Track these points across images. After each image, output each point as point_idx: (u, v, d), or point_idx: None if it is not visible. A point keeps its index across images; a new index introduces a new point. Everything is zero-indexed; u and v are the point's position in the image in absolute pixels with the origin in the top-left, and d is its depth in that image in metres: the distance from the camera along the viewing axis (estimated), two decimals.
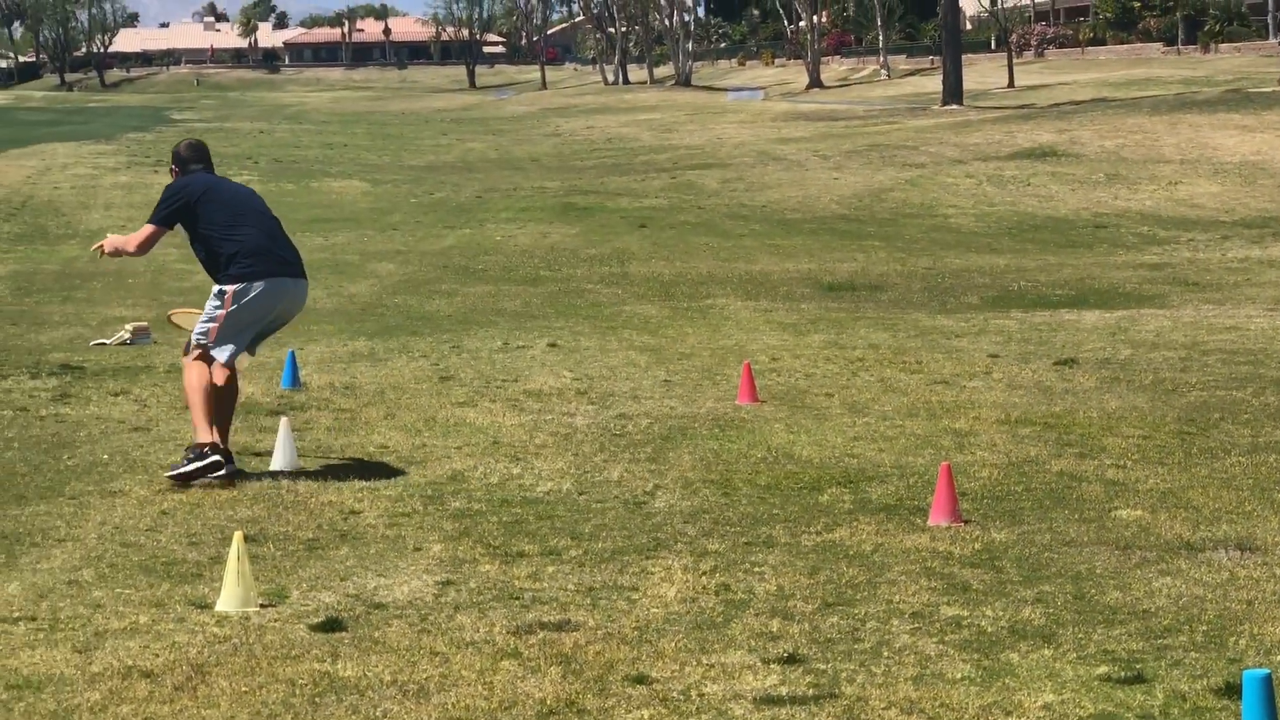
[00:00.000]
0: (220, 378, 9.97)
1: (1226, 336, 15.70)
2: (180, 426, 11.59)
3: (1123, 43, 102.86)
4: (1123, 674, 6.03)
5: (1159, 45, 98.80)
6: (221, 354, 10.00)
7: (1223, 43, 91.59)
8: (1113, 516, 8.63)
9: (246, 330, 10.12)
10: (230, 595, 7.03)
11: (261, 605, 7.06)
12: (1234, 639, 6.49)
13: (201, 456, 9.64)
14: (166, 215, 10.40)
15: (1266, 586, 7.24)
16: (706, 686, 5.98)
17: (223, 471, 9.67)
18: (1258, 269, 22.63)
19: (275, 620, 6.89)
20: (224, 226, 10.18)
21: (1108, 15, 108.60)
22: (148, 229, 10.46)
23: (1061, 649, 6.39)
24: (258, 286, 10.02)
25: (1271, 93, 53.27)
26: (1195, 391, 12.67)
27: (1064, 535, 8.24)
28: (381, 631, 6.73)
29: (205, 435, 9.73)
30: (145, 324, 16.93)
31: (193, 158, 10.68)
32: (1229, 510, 8.73)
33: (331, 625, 6.80)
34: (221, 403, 10.00)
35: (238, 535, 7.13)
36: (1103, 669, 6.12)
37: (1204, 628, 6.64)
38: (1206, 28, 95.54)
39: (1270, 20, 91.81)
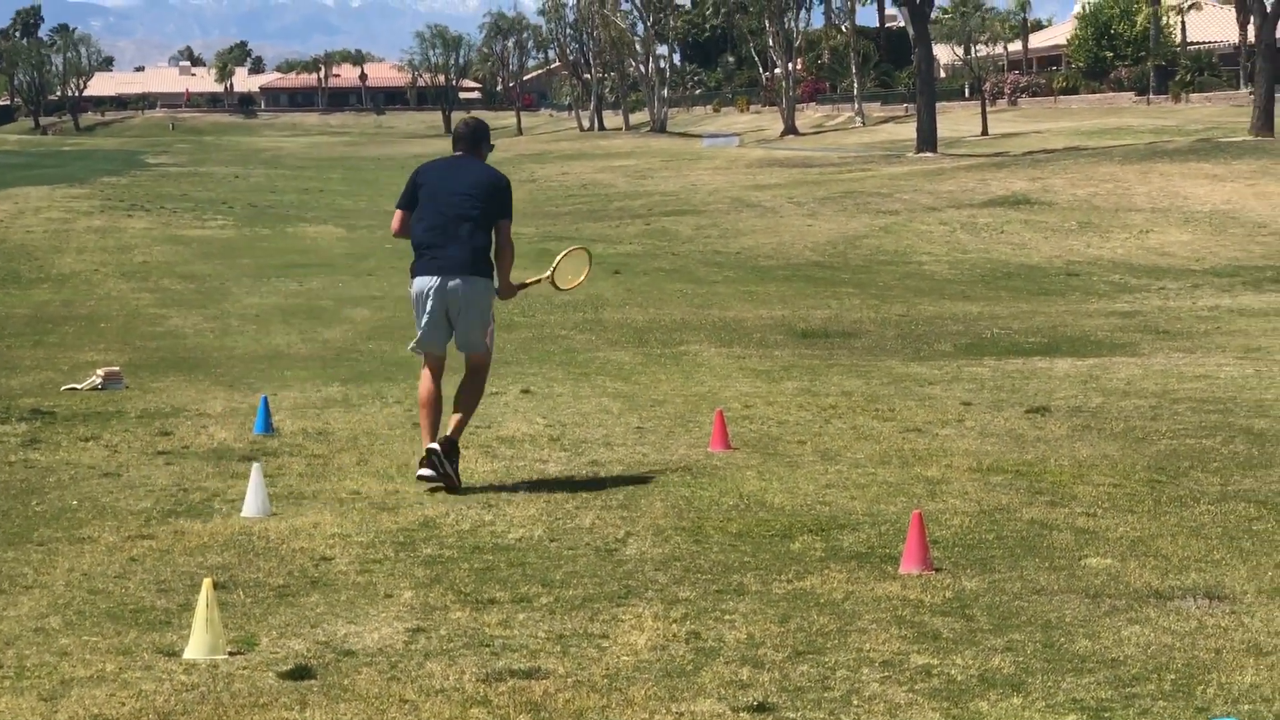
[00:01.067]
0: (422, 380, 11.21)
1: (1196, 385, 15.76)
2: (151, 472, 11.57)
3: (1095, 92, 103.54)
4: None
5: (1131, 94, 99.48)
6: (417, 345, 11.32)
7: (1194, 92, 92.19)
8: (1083, 565, 8.65)
9: (421, 322, 11.15)
10: (199, 643, 7.01)
11: (230, 653, 7.04)
12: (1202, 688, 6.51)
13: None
14: (401, 197, 11.44)
15: (1234, 635, 7.26)
16: None
17: (422, 471, 10.67)
18: (1228, 317, 22.72)
19: (244, 668, 6.87)
20: (415, 215, 11.23)
21: (1080, 65, 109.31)
22: (395, 213, 11.51)
23: (1030, 697, 6.40)
24: (413, 283, 11.14)
25: (1242, 142, 53.61)
26: (1165, 440, 12.72)
27: (1034, 583, 8.26)
28: (351, 679, 6.71)
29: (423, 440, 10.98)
30: (117, 369, 16.89)
31: (455, 138, 11.57)
32: (1198, 559, 8.76)
33: (301, 673, 6.78)
34: (429, 405, 11.03)
35: (207, 582, 7.11)
36: (1071, 717, 6.13)
37: (1172, 676, 6.66)
38: (1178, 78, 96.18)
39: (1241, 70, 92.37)
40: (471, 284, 11.06)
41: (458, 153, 11.42)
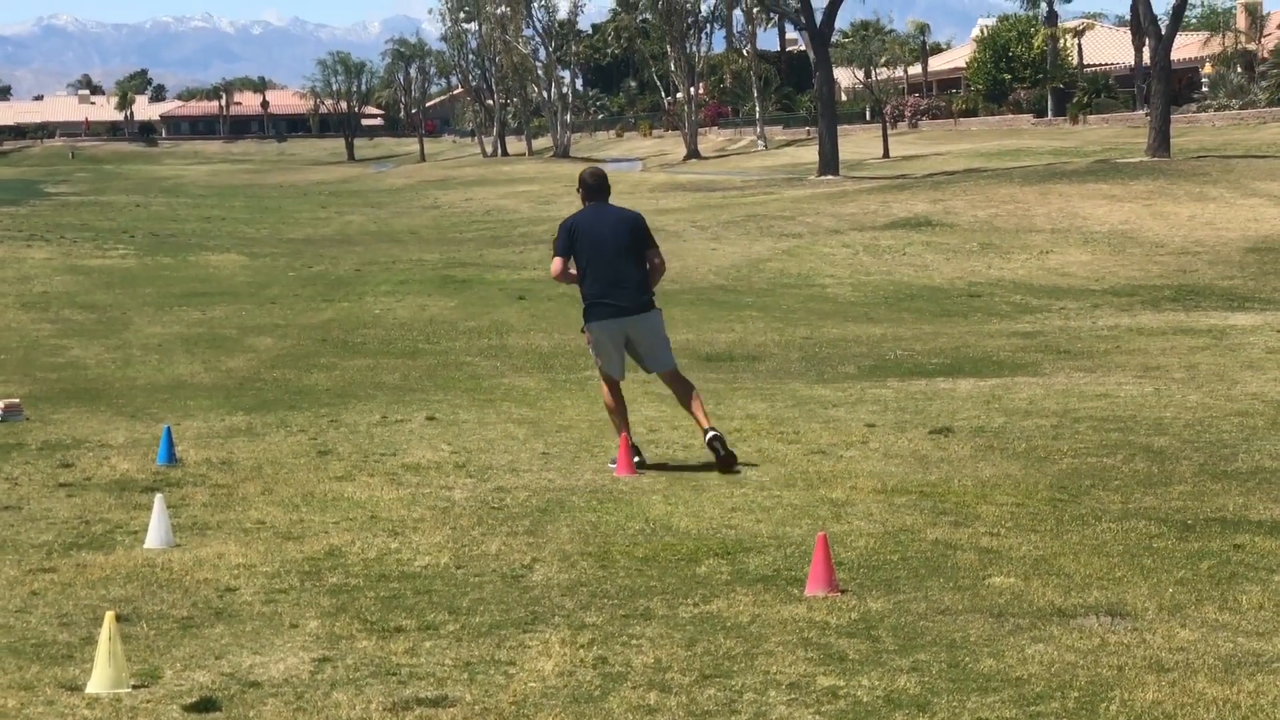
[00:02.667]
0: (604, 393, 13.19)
1: (1097, 404, 15.93)
2: (52, 505, 11.46)
3: (994, 114, 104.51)
4: None
5: (1029, 116, 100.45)
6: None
7: (1091, 114, 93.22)
8: (986, 584, 8.73)
9: (608, 359, 13.08)
10: (102, 676, 6.95)
11: (134, 686, 6.99)
12: (1105, 705, 6.58)
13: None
14: (559, 246, 13.14)
15: (1137, 652, 7.34)
16: None
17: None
18: (1127, 336, 22.96)
19: (148, 701, 6.81)
20: (582, 266, 13.02)
21: (979, 87, 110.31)
22: (554, 260, 13.26)
23: (936, 717, 6.45)
24: (592, 326, 13.08)
25: (1139, 163, 54.20)
26: (1067, 459, 12.84)
27: (939, 603, 8.32)
28: (256, 710, 6.67)
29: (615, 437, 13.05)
30: (17, 400, 16.70)
31: (589, 189, 13.37)
32: (1100, 577, 8.85)
33: (206, 705, 6.74)
34: (618, 408, 13.06)
35: (109, 615, 7.05)
36: None
37: (1075, 694, 6.73)
38: (1075, 99, 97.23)
39: (1137, 92, 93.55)
40: (648, 319, 13.05)
41: (593, 202, 13.31)
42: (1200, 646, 7.44)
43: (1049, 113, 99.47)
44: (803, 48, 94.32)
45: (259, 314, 28.24)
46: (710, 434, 12.57)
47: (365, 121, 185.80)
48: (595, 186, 13.32)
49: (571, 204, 60.98)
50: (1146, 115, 65.97)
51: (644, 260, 13.07)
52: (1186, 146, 62.28)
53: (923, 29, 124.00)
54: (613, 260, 12.91)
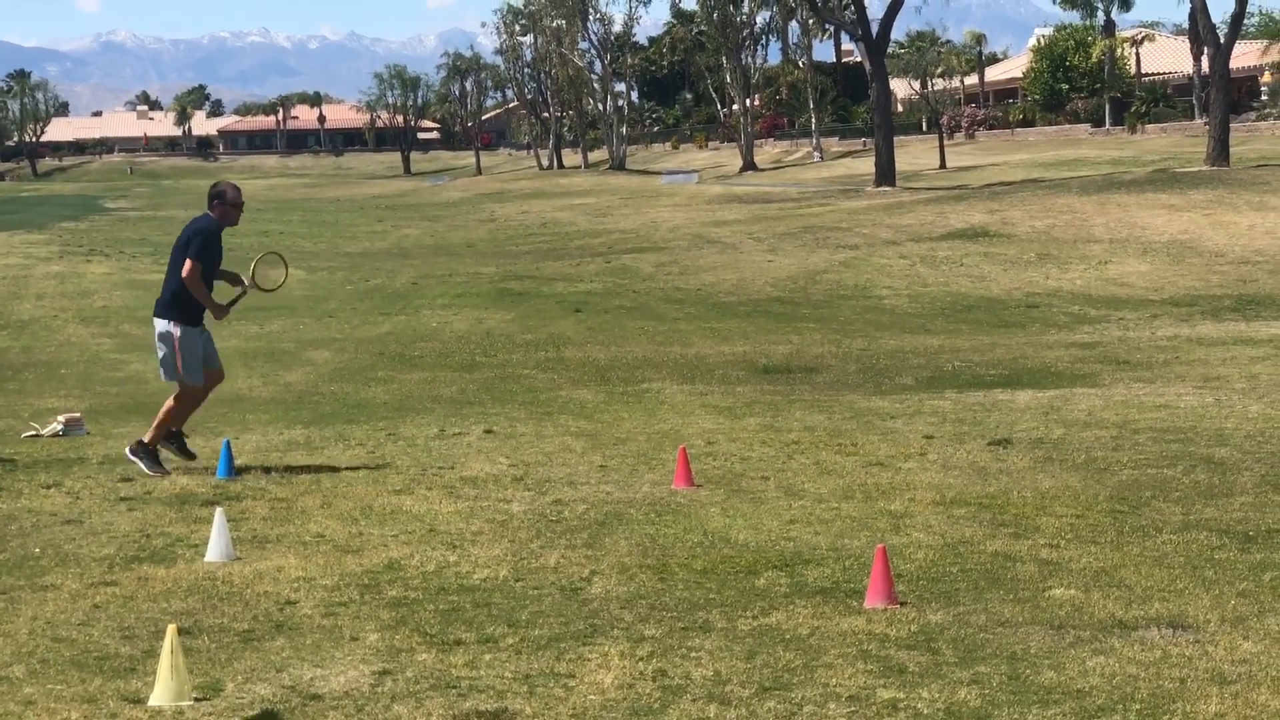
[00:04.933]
0: None
1: (1157, 415, 15.84)
2: (113, 519, 11.53)
3: (1051, 124, 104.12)
4: None
5: (1087, 126, 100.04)
6: None
7: (1149, 124, 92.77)
8: (1047, 596, 8.68)
9: None
10: (164, 689, 6.98)
11: (196, 699, 7.01)
12: (1167, 717, 6.54)
13: None
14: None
15: (1198, 664, 7.29)
16: None
17: None
18: (1186, 347, 22.84)
19: (209, 714, 6.84)
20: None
21: (1036, 97, 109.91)
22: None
23: None
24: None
25: (1198, 172, 53.93)
26: (1127, 470, 12.77)
27: (999, 616, 8.28)
28: None
29: None
30: (78, 415, 16.83)
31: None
32: (1161, 588, 8.79)
33: (267, 718, 6.76)
34: None
35: (171, 628, 7.08)
36: None
37: (1137, 706, 6.69)
38: (1133, 109, 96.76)
39: (1195, 101, 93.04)
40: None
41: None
42: (1263, 658, 7.39)
43: (1106, 122, 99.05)
44: (859, 59, 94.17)
45: (316, 328, 28.37)
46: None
47: (421, 135, 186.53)
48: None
49: (626, 215, 61.03)
50: (1205, 124, 65.59)
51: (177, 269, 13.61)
52: (1246, 155, 61.90)
53: (979, 39, 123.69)
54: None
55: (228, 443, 13.69)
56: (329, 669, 7.53)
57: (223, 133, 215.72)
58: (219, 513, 10.24)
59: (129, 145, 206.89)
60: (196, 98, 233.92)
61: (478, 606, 8.72)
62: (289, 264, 14.10)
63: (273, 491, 12.60)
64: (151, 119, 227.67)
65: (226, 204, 13.73)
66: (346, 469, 13.64)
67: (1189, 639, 7.73)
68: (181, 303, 13.62)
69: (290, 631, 8.26)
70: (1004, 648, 7.66)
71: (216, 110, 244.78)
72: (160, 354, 13.84)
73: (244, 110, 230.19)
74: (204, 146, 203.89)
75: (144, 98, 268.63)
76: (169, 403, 13.76)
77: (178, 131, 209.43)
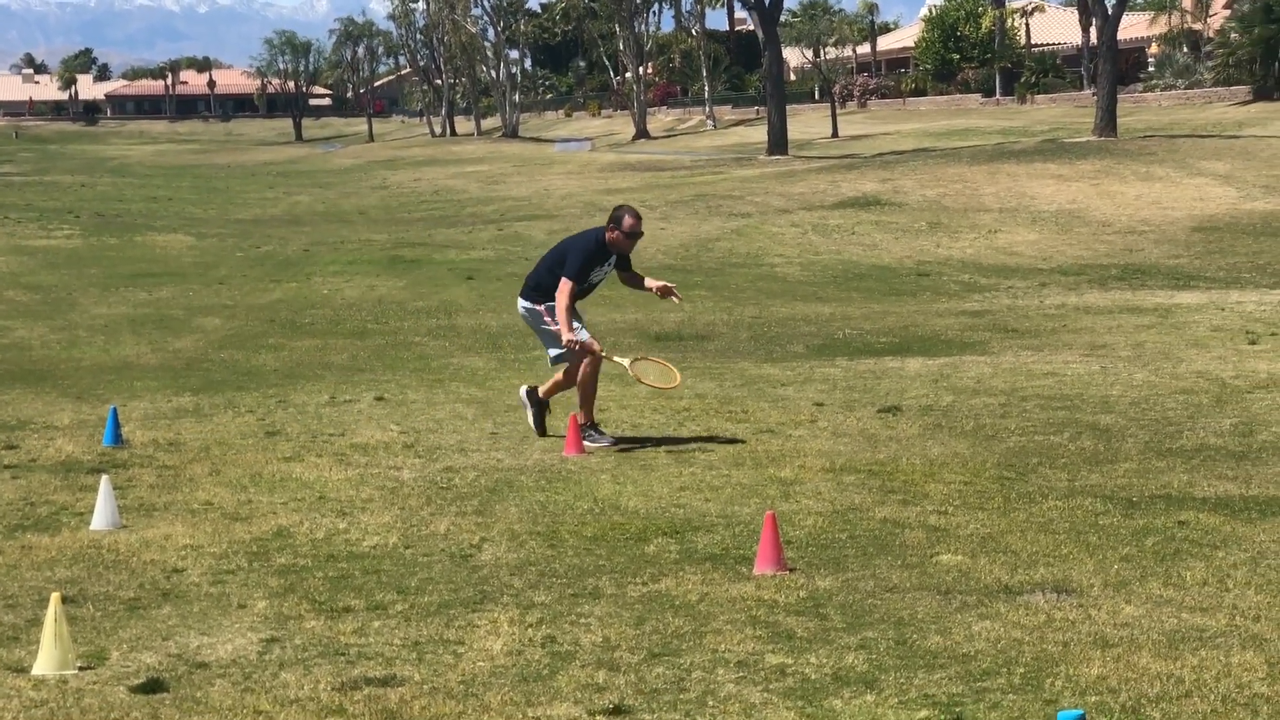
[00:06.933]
0: None
1: (1044, 382, 16.00)
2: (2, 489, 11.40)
3: (943, 94, 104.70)
4: (943, 717, 6.14)
5: (978, 96, 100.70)
6: None
7: (1039, 94, 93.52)
8: (934, 562, 8.77)
9: None
10: (47, 658, 6.91)
11: (80, 668, 6.95)
12: (1050, 680, 6.62)
13: None
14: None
15: (1082, 628, 7.39)
16: None
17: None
18: (1074, 315, 23.06)
19: (94, 683, 6.78)
20: None
21: (928, 67, 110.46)
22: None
23: (884, 694, 6.47)
24: None
25: (1086, 142, 54.44)
26: (1014, 437, 12.90)
27: (887, 581, 8.35)
28: (204, 691, 6.65)
29: None
30: None
31: None
32: (1046, 554, 8.90)
33: (153, 686, 6.71)
34: None
35: (55, 596, 7.01)
36: (924, 713, 6.21)
37: (1021, 670, 6.77)
38: (1023, 79, 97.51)
39: (1084, 72, 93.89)
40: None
41: None
42: (1144, 622, 7.50)
43: (997, 92, 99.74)
44: (751, 27, 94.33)
45: (206, 295, 28.11)
46: None
47: (313, 101, 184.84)
48: None
49: (519, 183, 60.80)
50: (1093, 95, 66.21)
51: None
52: (1133, 126, 62.56)
53: (871, 8, 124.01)
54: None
55: (114, 410, 13.54)
56: (216, 637, 7.49)
57: (110, 97, 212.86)
58: (105, 480, 10.14)
59: (14, 110, 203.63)
60: (83, 61, 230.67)
61: (367, 574, 8.70)
62: (675, 381, 13.36)
63: (160, 459, 12.49)
64: (37, 83, 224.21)
65: (621, 230, 13.31)
66: (236, 437, 13.54)
67: (1073, 603, 7.83)
68: (545, 291, 13.73)
69: (177, 600, 8.20)
70: (891, 613, 7.72)
71: (104, 74, 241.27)
72: (539, 335, 13.91)
73: (132, 75, 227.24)
74: (91, 111, 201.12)
75: (29, 61, 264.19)
76: (583, 370, 13.26)
77: (64, 96, 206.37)
